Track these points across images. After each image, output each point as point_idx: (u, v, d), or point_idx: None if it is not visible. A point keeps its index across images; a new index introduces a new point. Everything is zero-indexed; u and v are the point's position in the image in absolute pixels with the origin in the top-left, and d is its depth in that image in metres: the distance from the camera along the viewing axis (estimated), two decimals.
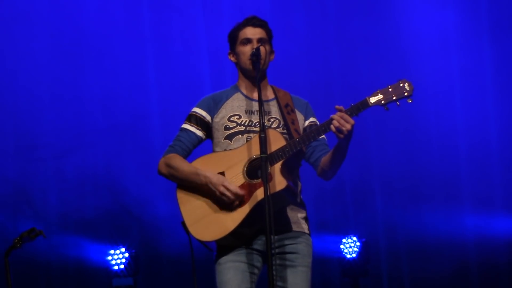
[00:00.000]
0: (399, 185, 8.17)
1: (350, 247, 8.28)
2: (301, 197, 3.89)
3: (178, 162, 3.81)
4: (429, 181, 8.16)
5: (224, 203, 3.67)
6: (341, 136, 3.53)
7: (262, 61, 3.76)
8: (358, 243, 8.27)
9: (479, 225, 8.01)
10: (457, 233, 8.08)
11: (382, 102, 3.54)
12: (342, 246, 8.28)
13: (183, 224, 3.73)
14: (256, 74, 3.72)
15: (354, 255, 8.25)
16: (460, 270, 8.10)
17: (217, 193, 3.65)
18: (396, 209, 8.26)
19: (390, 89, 3.55)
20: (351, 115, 3.52)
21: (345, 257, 8.25)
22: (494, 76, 8.12)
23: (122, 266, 7.70)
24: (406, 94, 3.54)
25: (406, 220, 8.21)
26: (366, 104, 3.54)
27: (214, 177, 3.68)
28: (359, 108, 3.54)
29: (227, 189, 3.62)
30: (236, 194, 3.62)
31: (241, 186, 3.66)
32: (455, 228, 8.08)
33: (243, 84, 3.95)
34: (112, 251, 7.70)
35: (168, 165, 3.82)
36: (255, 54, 3.74)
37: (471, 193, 8.09)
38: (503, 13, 8.09)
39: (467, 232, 8.05)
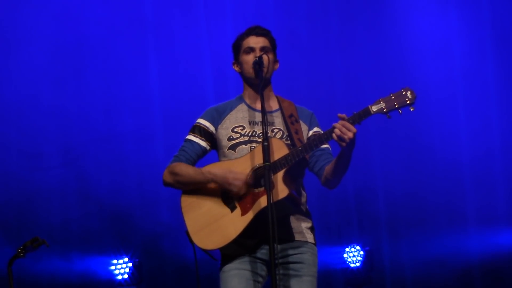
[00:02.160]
0: (402, 194, 8.16)
1: (353, 256, 8.27)
2: (307, 207, 3.90)
3: (183, 167, 3.83)
4: (433, 191, 8.15)
5: (231, 197, 3.68)
6: (343, 144, 3.53)
7: (265, 69, 3.77)
8: (362, 252, 8.26)
9: (483, 235, 7.99)
10: (461, 242, 8.07)
11: (384, 110, 3.53)
12: (345, 255, 8.27)
13: (186, 233, 3.75)
14: (259, 83, 3.73)
15: (358, 264, 8.24)
16: (464, 279, 8.08)
17: (226, 184, 3.66)
18: (399, 218, 8.26)
19: (392, 97, 3.55)
20: (353, 123, 3.52)
21: (349, 266, 8.24)
22: (498, 83, 8.12)
23: (126, 276, 7.68)
24: (408, 102, 3.53)
25: (409, 230, 8.21)
26: (368, 112, 3.54)
27: (218, 170, 3.71)
28: (361, 116, 3.53)
29: (234, 174, 3.64)
30: (244, 179, 3.63)
31: (244, 195, 3.67)
32: (458, 237, 8.07)
33: (247, 95, 3.97)
34: (115, 261, 7.68)
35: (173, 173, 3.84)
36: (258, 63, 3.75)
37: (474, 203, 8.08)
38: (506, 19, 8.09)
39: (471, 242, 8.03)
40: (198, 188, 3.79)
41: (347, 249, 8.28)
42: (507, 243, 7.95)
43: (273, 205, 3.39)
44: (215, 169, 3.73)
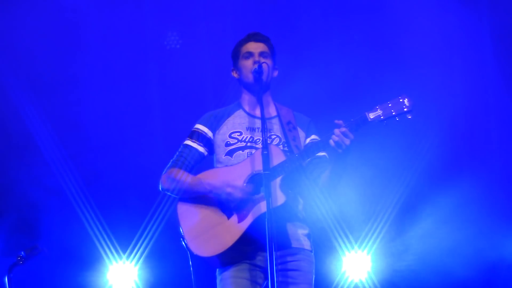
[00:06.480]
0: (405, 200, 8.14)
1: (356, 264, 8.25)
2: (304, 213, 3.88)
3: (181, 175, 3.83)
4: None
5: (230, 208, 3.65)
6: (340, 151, 3.52)
7: (264, 77, 3.76)
8: (365, 260, 8.23)
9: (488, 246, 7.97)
10: (465, 251, 8.04)
11: (381, 117, 3.53)
12: (347, 263, 8.23)
13: (182, 239, 3.73)
14: (258, 92, 3.72)
15: (361, 272, 8.21)
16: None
17: (224, 195, 3.63)
18: (404, 226, 8.24)
19: (389, 105, 3.54)
20: (350, 131, 3.50)
21: (351, 274, 8.21)
22: (499, 90, 8.11)
23: (128, 284, 7.63)
24: (405, 109, 3.53)
25: (414, 238, 8.19)
26: (365, 119, 3.53)
27: (217, 183, 3.69)
28: (358, 124, 3.52)
29: (234, 187, 3.62)
30: (243, 190, 3.62)
31: (241, 202, 3.65)
32: (463, 245, 8.04)
33: (245, 101, 3.97)
34: (116, 266, 7.62)
35: (171, 179, 3.83)
36: (258, 72, 3.74)
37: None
38: (506, 23, 8.09)
39: (474, 251, 8.00)
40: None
41: (349, 257, 8.25)
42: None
43: (272, 213, 3.37)
44: (213, 181, 3.71)
